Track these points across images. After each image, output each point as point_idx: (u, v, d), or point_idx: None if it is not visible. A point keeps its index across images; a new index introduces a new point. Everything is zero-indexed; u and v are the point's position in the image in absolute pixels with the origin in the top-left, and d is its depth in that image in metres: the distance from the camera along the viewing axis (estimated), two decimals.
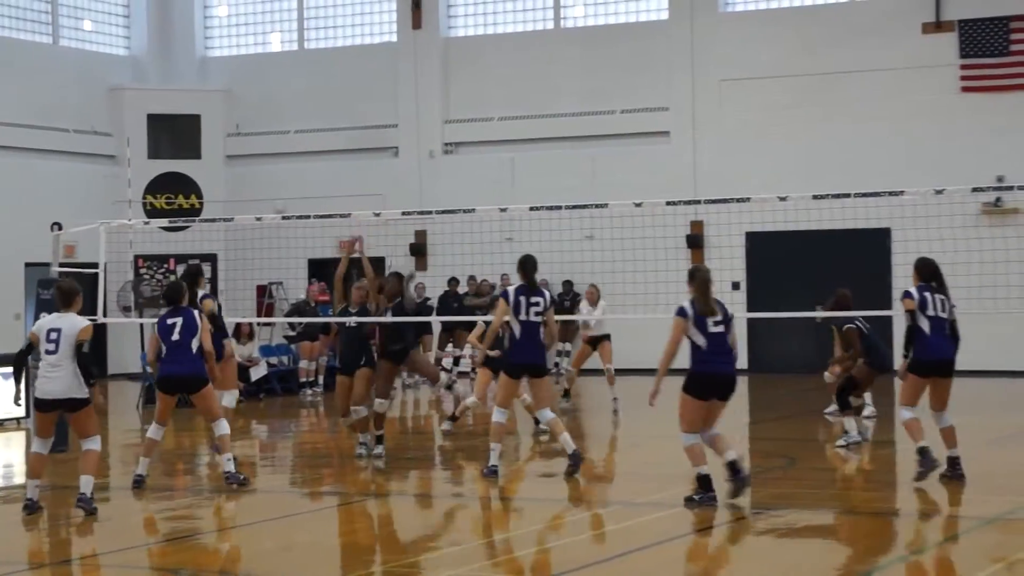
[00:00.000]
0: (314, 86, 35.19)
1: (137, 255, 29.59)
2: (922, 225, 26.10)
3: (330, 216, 24.88)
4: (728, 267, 29.88)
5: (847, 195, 21.35)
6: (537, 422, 18.41)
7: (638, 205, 20.68)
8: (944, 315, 14.35)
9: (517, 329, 14.94)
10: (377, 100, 34.58)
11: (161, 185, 34.33)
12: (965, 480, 14.21)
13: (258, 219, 22.73)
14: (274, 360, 28.64)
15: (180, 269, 33.67)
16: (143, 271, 31.86)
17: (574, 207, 21.77)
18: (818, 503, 13.54)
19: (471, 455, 17.02)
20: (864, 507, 13.36)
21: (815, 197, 21.46)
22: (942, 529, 12.28)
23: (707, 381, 12.98)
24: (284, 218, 24.14)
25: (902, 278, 27.49)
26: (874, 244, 29.07)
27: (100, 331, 24.85)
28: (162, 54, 36.21)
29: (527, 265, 15.12)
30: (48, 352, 13.00)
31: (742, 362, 31.19)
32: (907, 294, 14.47)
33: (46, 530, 12.71)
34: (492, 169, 33.00)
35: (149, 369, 19.12)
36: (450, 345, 30.58)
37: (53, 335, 13.01)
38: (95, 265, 21.02)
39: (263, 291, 33.22)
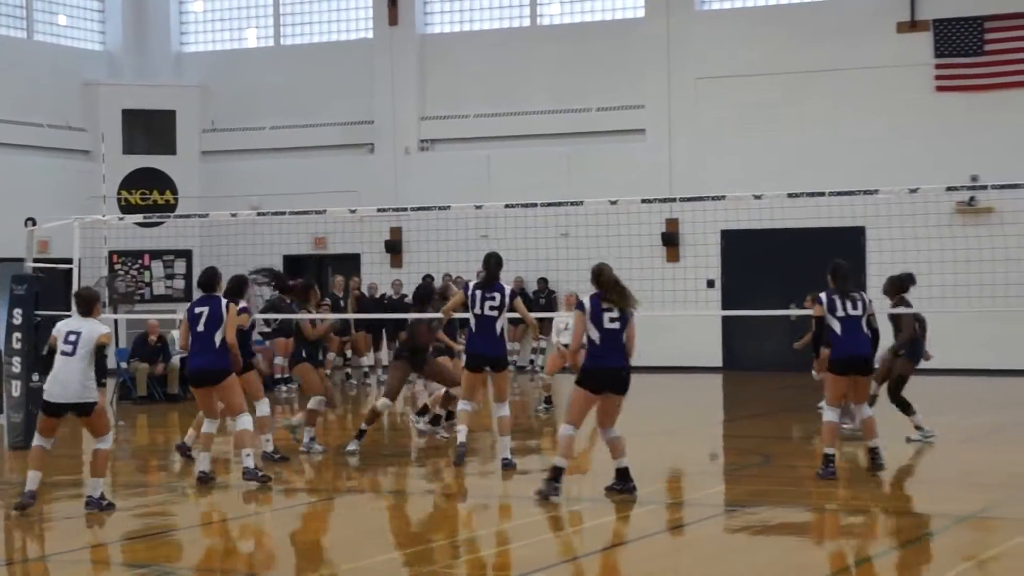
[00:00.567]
0: (290, 82, 35.15)
1: (111, 251, 29.50)
2: (896, 224, 26.24)
3: (305, 212, 24.88)
4: (703, 265, 29.98)
5: (822, 194, 21.33)
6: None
7: (613, 203, 20.68)
8: (856, 313, 14.66)
9: (473, 323, 15.42)
10: (353, 96, 34.56)
11: (136, 181, 34.24)
12: (884, 469, 14.59)
13: (233, 215, 22.65)
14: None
15: (155, 265, 33.65)
16: (117, 267, 31.77)
17: (549, 204, 21.74)
18: (793, 500, 13.57)
19: (444, 453, 17.01)
20: (838, 505, 13.39)
21: (790, 195, 21.47)
22: (915, 527, 12.31)
23: (598, 375, 13.21)
24: (259, 214, 24.04)
25: (877, 276, 27.63)
26: (849, 243, 29.12)
27: None
28: (137, 49, 36.12)
29: (490, 261, 15.61)
30: (64, 353, 13.05)
31: (716, 359, 31.35)
32: (818, 299, 14.79)
33: (17, 526, 12.66)
34: (468, 166, 33.00)
35: (178, 353, 19.26)
36: None
37: (72, 337, 13.09)
38: (69, 261, 20.96)
39: None
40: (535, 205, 22.46)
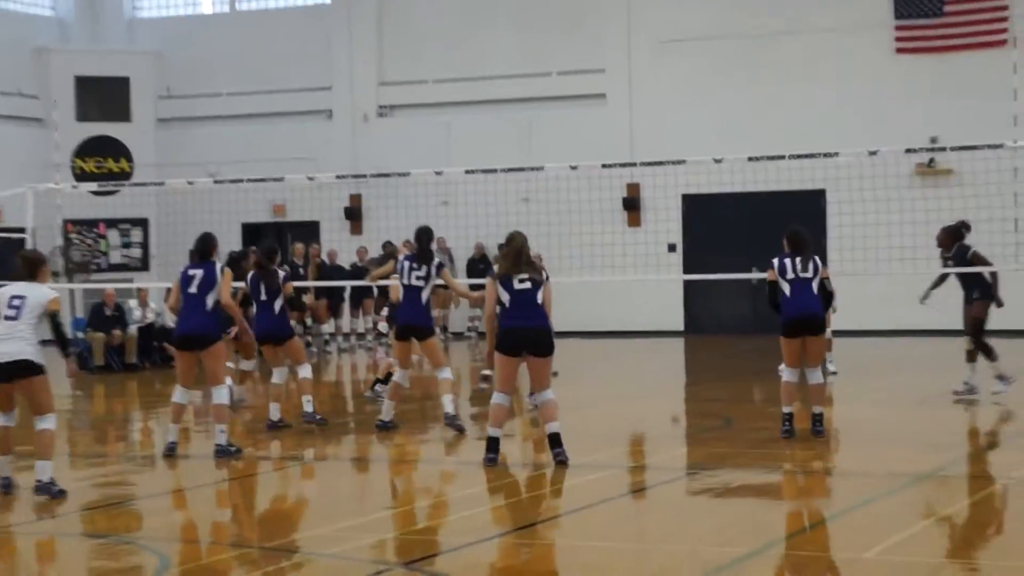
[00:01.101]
0: (246, 48, 35.02)
1: (66, 219, 29.40)
2: (856, 187, 26.42)
3: (263, 180, 24.86)
4: (664, 229, 30.12)
5: (782, 157, 21.56)
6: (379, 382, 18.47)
7: (574, 168, 20.79)
8: (807, 275, 14.81)
9: (401, 293, 15.94)
10: (310, 62, 34.47)
11: (90, 148, 34.09)
12: (825, 437, 14.67)
13: (190, 183, 22.68)
14: None
15: (111, 234, 33.55)
16: (72, 236, 31.66)
17: (510, 170, 21.88)
18: (754, 463, 13.69)
19: (406, 419, 17.09)
20: (798, 466, 13.53)
21: (750, 159, 21.63)
22: (874, 487, 12.45)
23: (512, 337, 13.25)
24: (216, 182, 24.12)
25: (837, 239, 27.94)
26: (809, 205, 29.30)
27: None
28: (90, 14, 35.92)
29: (421, 237, 16.16)
30: (7, 318, 12.42)
31: (677, 323, 31.50)
32: (770, 264, 14.99)
33: None
34: (427, 132, 32.98)
35: (169, 320, 19.48)
36: (386, 309, 30.51)
37: (16, 302, 12.46)
38: (22, 230, 20.91)
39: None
40: (495, 171, 22.58)
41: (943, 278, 19.03)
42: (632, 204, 31.41)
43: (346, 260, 30.61)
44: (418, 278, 15.86)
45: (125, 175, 33.85)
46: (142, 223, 33.66)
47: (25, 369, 12.43)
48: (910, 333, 28.25)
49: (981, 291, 18.28)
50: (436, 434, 16.17)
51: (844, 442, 14.69)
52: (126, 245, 34.03)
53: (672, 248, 30.81)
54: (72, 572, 10.06)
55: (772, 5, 31.12)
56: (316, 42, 34.49)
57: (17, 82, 33.79)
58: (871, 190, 26.46)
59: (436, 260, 16.06)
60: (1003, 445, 14.87)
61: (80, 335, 25.95)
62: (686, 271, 30.28)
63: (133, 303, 26.84)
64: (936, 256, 19.19)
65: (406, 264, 15.95)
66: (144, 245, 33.80)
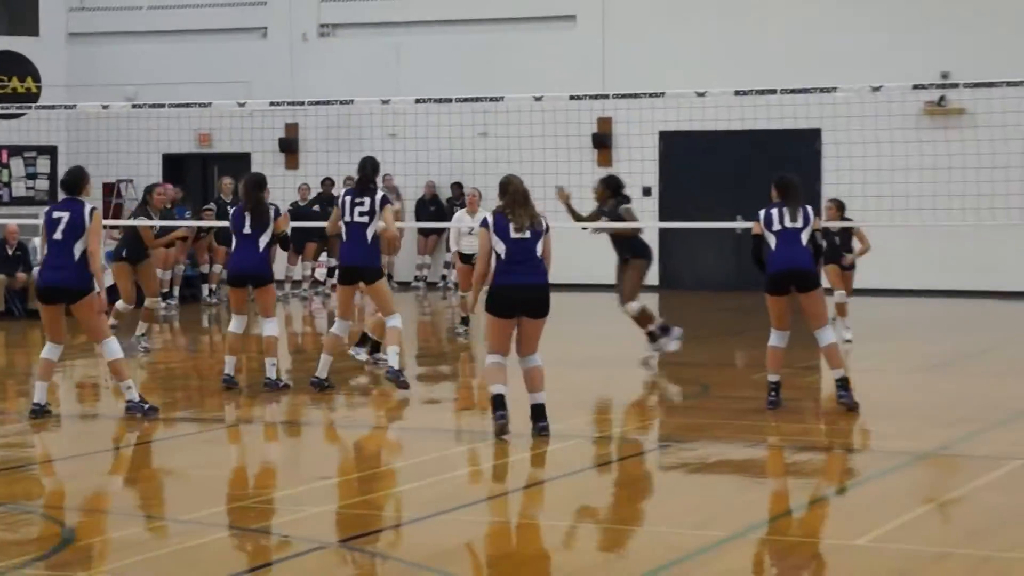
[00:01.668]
0: None
1: None
2: (856, 126, 26.46)
3: (187, 105, 24.72)
4: (639, 171, 30.05)
5: (773, 91, 21.49)
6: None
7: (538, 99, 20.70)
8: (796, 225, 14.71)
9: (343, 231, 15.84)
10: None
11: None
12: (858, 407, 14.51)
13: (105, 107, 22.47)
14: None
15: (14, 163, 33.31)
16: None
17: (466, 100, 21.74)
18: (734, 435, 13.71)
19: (345, 377, 17.06)
20: (785, 440, 13.55)
21: (737, 93, 21.59)
22: (868, 465, 12.48)
23: (505, 295, 13.08)
24: (135, 106, 23.90)
25: (833, 185, 27.93)
26: (802, 146, 29.32)
27: None
28: None
29: (366, 165, 16.07)
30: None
31: (651, 277, 31.49)
32: (756, 216, 14.93)
33: None
34: (374, 55, 32.81)
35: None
36: (324, 254, 30.52)
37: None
38: None
39: (110, 190, 32.90)
40: (450, 100, 22.45)
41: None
42: (603, 141, 31.36)
43: (280, 198, 30.44)
44: (361, 214, 15.76)
45: (31, 96, 33.57)
46: (50, 151, 33.42)
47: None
48: (913, 293, 28.35)
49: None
50: (378, 394, 16.14)
51: (836, 415, 14.69)
52: (31, 176, 33.80)
53: (647, 192, 30.78)
54: None
55: None
56: None
57: None
58: (873, 131, 26.50)
59: (380, 193, 16.00)
60: (1015, 422, 14.89)
61: None
62: (662, 218, 30.26)
63: (39, 241, 26.63)
64: (942, 208, 19.21)
65: (347, 199, 15.88)
66: (52, 176, 33.54)
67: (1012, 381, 17.40)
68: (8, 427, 14.47)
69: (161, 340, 23.34)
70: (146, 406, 14.54)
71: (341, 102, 23.40)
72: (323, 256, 30.54)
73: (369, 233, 15.78)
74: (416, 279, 31.64)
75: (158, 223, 20.19)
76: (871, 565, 9.13)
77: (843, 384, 14.63)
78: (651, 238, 31.20)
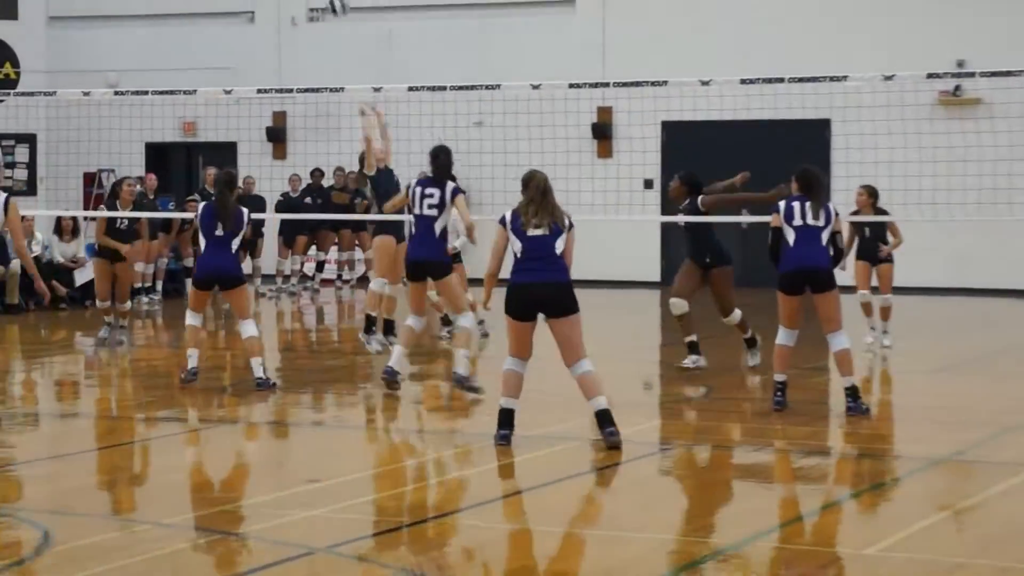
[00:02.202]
0: None
1: None
2: (867, 116, 26.41)
3: (172, 92, 24.69)
4: (640, 162, 30.03)
5: (781, 80, 21.48)
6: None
7: (536, 87, 20.69)
8: (817, 223, 14.63)
9: (412, 224, 15.89)
10: None
11: None
12: (869, 414, 14.49)
13: (86, 94, 22.48)
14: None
15: None
16: None
17: (460, 88, 21.74)
18: (738, 439, 13.69)
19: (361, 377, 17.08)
20: (792, 444, 13.53)
21: (743, 82, 21.55)
22: (879, 471, 12.46)
23: (521, 294, 12.92)
24: (117, 93, 23.92)
25: (843, 178, 27.90)
26: (811, 137, 29.30)
27: None
28: None
29: (439, 153, 16.19)
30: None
31: (653, 273, 31.52)
32: (775, 208, 14.89)
33: None
34: (365, 41, 32.79)
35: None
36: (313, 248, 30.50)
37: None
38: None
39: (92, 180, 32.90)
40: (444, 88, 22.44)
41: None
42: (603, 131, 31.35)
43: (267, 189, 30.41)
44: (430, 206, 15.71)
45: (9, 83, 33.55)
46: (29, 139, 33.41)
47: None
48: (927, 291, 28.32)
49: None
50: (377, 394, 16.12)
51: (846, 418, 14.67)
52: (9, 165, 33.79)
53: (649, 184, 30.77)
54: None
55: None
56: None
57: None
58: (885, 121, 26.44)
59: (452, 185, 15.91)
60: None
61: None
62: (664, 212, 30.23)
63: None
64: (957, 202, 19.18)
65: (417, 190, 15.81)
66: (31, 165, 33.55)
67: None
68: None
69: (144, 336, 23.33)
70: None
71: (331, 89, 23.37)
72: (312, 250, 30.51)
73: (438, 227, 15.70)
74: None
75: (123, 215, 20.26)
76: None
77: (852, 393, 14.55)
78: (653, 233, 31.36)
